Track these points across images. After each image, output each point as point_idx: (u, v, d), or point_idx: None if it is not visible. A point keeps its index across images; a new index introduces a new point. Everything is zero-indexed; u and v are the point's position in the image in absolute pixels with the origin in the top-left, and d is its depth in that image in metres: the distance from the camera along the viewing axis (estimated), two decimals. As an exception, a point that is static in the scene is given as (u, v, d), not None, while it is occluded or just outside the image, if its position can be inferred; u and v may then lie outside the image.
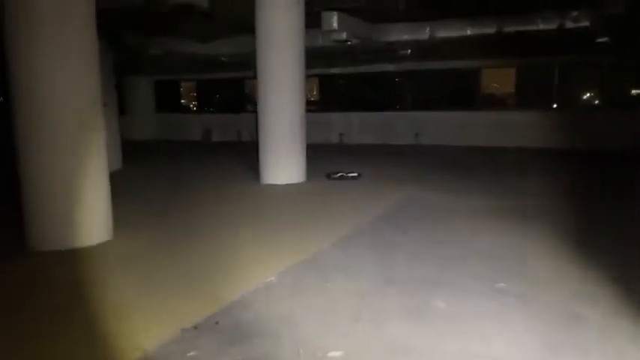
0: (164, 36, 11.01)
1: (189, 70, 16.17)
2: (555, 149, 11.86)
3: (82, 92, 4.30)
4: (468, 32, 9.68)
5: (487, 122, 13.20)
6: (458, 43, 10.23)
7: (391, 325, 2.74)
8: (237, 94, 17.48)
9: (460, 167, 9.46)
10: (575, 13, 8.43)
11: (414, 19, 9.90)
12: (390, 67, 14.48)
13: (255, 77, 7.80)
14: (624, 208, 5.72)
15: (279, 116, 7.58)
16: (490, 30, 9.44)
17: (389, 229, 4.84)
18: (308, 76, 8.48)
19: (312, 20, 8.09)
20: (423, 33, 10.02)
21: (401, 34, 10.23)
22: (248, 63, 10.04)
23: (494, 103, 14.56)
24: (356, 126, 15.06)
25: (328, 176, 8.05)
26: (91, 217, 4.40)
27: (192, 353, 2.45)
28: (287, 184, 7.56)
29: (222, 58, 12.21)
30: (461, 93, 14.16)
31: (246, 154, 11.03)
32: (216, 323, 2.75)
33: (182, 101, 19.56)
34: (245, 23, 7.98)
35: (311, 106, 13.91)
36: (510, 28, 9.18)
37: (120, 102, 12.26)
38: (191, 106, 19.44)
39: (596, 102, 13.10)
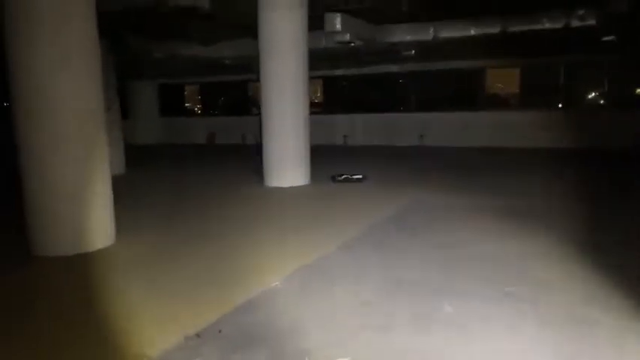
0: (167, 39, 10.99)
1: (193, 73, 16.17)
2: (561, 149, 11.75)
3: (83, 95, 4.26)
4: (472, 32, 9.62)
5: (492, 123, 13.12)
6: (462, 43, 10.16)
7: (399, 332, 2.68)
8: (241, 97, 17.46)
9: (465, 168, 9.39)
10: (581, 12, 8.35)
11: (417, 20, 9.84)
12: (394, 68, 14.42)
13: (258, 80, 7.76)
14: (630, 208, 5.64)
15: (282, 118, 7.53)
16: (494, 30, 9.36)
17: (394, 232, 4.77)
18: (311, 78, 8.44)
19: (315, 22, 8.05)
20: (427, 34, 9.96)
21: (404, 35, 10.18)
22: (251, 66, 10.00)
23: (498, 103, 14.47)
24: (360, 127, 15.00)
25: (333, 179, 7.99)
26: (93, 222, 4.36)
27: (195, 362, 2.40)
28: (291, 187, 7.51)
29: (226, 61, 12.19)
30: (465, 93, 14.08)
31: (250, 156, 10.99)
32: (220, 332, 2.70)
33: (186, 105, 19.55)
34: (248, 25, 7.95)
35: (315, 108, 13.91)
36: (515, 28, 9.11)
37: (123, 106, 12.26)
38: (196, 109, 19.43)
39: (602, 101, 12.99)
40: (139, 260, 4.16)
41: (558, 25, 8.73)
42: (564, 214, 5.36)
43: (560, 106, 13.00)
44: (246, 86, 16.99)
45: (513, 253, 4.05)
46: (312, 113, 8.09)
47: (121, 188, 6.37)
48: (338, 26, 8.68)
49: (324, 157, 10.46)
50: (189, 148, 15.93)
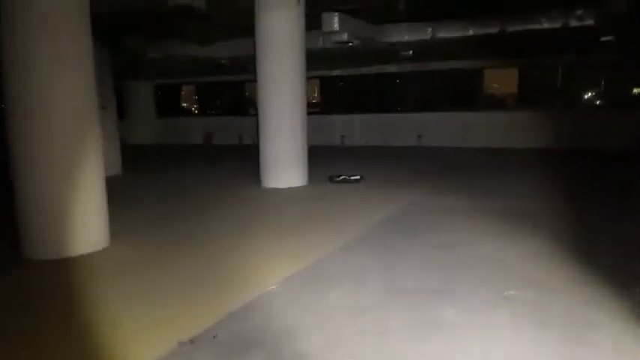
0: (164, 39, 10.93)
1: (190, 73, 16.10)
2: (559, 150, 11.72)
3: (77, 96, 4.19)
4: (470, 32, 9.58)
5: (490, 123, 13.08)
6: (460, 43, 10.12)
7: (398, 338, 2.62)
8: (238, 97, 17.40)
9: (463, 169, 9.35)
10: (579, 12, 8.31)
11: (415, 20, 9.79)
12: (392, 69, 14.38)
13: (255, 80, 7.70)
14: (627, 208, 5.60)
15: (279, 119, 7.47)
16: (492, 30, 9.33)
17: (393, 234, 4.72)
18: (309, 78, 8.40)
19: (312, 22, 7.99)
20: (425, 33, 9.91)
21: (402, 34, 10.13)
22: (248, 66, 9.95)
23: (497, 103, 14.44)
24: (358, 128, 14.95)
25: (330, 179, 7.94)
26: (87, 224, 4.29)
27: (188, 369, 2.35)
28: (289, 188, 7.45)
29: (223, 61, 12.12)
30: (463, 94, 14.04)
31: (247, 157, 10.92)
32: (214, 337, 2.64)
33: (183, 105, 19.47)
34: (245, 25, 7.89)
35: (312, 108, 13.85)
36: (513, 28, 9.07)
37: (120, 106, 12.20)
38: (193, 109, 19.35)
39: (601, 102, 12.95)
40: (133, 263, 4.10)
41: (557, 25, 8.70)
42: (562, 215, 5.32)
43: (558, 106, 12.96)
44: (244, 86, 16.93)
45: (512, 254, 4.00)
46: (309, 113, 8.04)
47: (116, 189, 6.31)
48: (336, 26, 8.62)
49: (322, 158, 10.40)
50: (186, 148, 15.86)
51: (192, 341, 2.58)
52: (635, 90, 12.53)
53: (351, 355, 2.46)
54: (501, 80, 14.42)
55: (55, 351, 2.60)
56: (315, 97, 16.62)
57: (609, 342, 2.51)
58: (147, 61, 12.11)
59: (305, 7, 7.40)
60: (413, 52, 11.52)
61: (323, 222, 5.39)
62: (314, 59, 9.45)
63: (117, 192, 6.40)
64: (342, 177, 7.93)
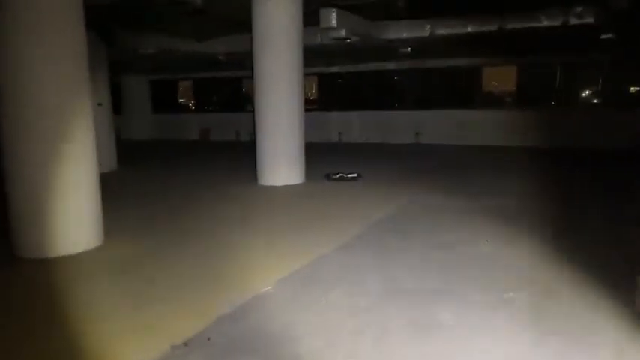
0: (159, 33, 10.81)
1: (187, 68, 15.98)
2: (558, 149, 11.68)
3: (68, 95, 4.12)
4: (469, 30, 9.49)
5: (488, 121, 13.02)
6: (458, 40, 10.05)
7: (396, 341, 2.56)
8: (235, 93, 17.29)
9: (460, 167, 9.30)
10: (579, 9, 8.24)
11: (414, 17, 9.71)
12: (390, 66, 14.29)
13: (252, 76, 7.61)
14: (625, 209, 5.56)
15: (276, 115, 7.39)
16: (492, 27, 9.24)
17: (390, 233, 4.66)
18: (307, 75, 8.31)
19: (310, 18, 7.90)
20: (424, 30, 9.82)
21: (401, 31, 10.03)
22: (245, 62, 9.86)
23: (495, 102, 14.39)
24: (355, 125, 14.87)
25: (327, 177, 7.87)
26: (79, 223, 4.22)
27: (181, 373, 2.28)
28: (285, 186, 7.38)
29: (219, 57, 12.01)
30: (462, 91, 13.97)
31: (244, 154, 10.84)
32: (209, 339, 2.57)
33: (180, 100, 19.35)
34: (241, 20, 7.80)
35: (310, 105, 13.77)
36: (513, 26, 8.99)
37: (117, 102, 12.09)
38: (190, 105, 19.23)
39: (599, 100, 12.91)
40: (126, 262, 4.03)
41: (556, 23, 8.62)
42: (560, 215, 5.28)
43: (556, 105, 12.92)
44: (241, 82, 16.83)
45: (511, 254, 3.96)
46: (307, 110, 7.95)
47: (111, 186, 6.24)
48: (333, 22, 8.51)
49: (319, 155, 10.33)
50: (182, 144, 15.76)
51: (186, 344, 2.52)
52: (632, 89, 12.48)
53: (349, 356, 2.40)
54: (500, 78, 14.36)
55: (42, 353, 2.53)
56: (313, 93, 16.54)
57: (609, 347, 2.46)
58: (143, 56, 11.97)
59: (303, 4, 7.31)
60: (411, 50, 11.44)
61: (320, 221, 5.32)
62: (312, 56, 9.36)
63: (112, 189, 6.33)
64: (339, 175, 7.86)
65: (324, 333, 2.66)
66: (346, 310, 2.95)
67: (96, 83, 6.91)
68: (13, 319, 3.00)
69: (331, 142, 14.73)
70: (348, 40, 9.39)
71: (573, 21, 8.43)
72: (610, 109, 12.05)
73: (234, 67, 13.84)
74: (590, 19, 8.35)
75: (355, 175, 7.83)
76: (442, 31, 9.72)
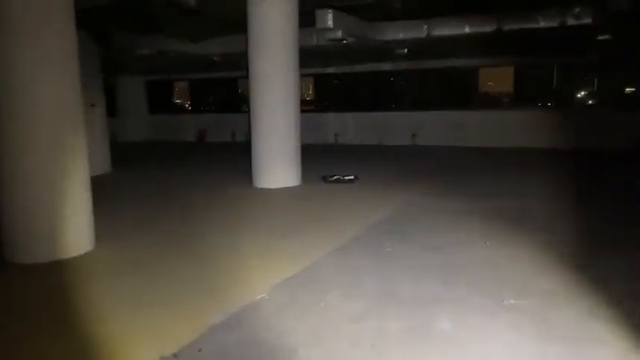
0: (154, 34, 10.71)
1: (182, 69, 15.88)
2: (555, 149, 11.63)
3: (61, 98, 4.04)
4: (467, 30, 9.42)
5: (485, 122, 12.97)
6: (456, 41, 9.98)
7: (393, 351, 2.48)
8: (231, 94, 17.20)
9: (458, 169, 9.24)
10: (577, 10, 8.18)
11: (411, 17, 9.64)
12: (387, 67, 14.22)
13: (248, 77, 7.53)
14: (623, 209, 5.51)
15: (272, 117, 7.31)
16: (489, 28, 9.18)
17: (387, 237, 4.58)
18: (303, 76, 8.23)
19: (306, 19, 7.82)
20: (421, 31, 9.75)
21: (397, 32, 9.96)
22: (240, 62, 9.77)
23: (492, 102, 14.34)
24: (352, 126, 14.80)
25: (324, 179, 7.79)
26: (70, 227, 4.13)
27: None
28: (281, 188, 7.29)
29: (215, 58, 11.92)
30: (459, 92, 13.92)
31: (240, 155, 10.76)
32: (200, 350, 2.49)
33: (176, 101, 19.23)
34: (237, 21, 7.71)
35: (306, 106, 13.68)
36: (510, 26, 8.93)
37: (112, 103, 11.99)
38: (186, 105, 19.12)
39: (597, 101, 12.87)
40: (117, 268, 3.94)
41: (554, 24, 8.56)
42: (559, 216, 5.21)
43: (554, 105, 12.88)
44: (237, 83, 16.73)
45: (511, 257, 3.89)
46: (303, 111, 7.88)
47: (104, 189, 6.15)
48: (330, 23, 8.43)
49: (315, 157, 10.26)
50: (178, 145, 15.65)
51: (175, 355, 2.43)
52: (628, 90, 12.44)
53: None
54: (497, 79, 14.31)
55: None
56: (309, 94, 16.46)
57: (611, 357, 2.39)
58: (138, 57, 11.87)
59: (299, 4, 7.23)
60: (408, 50, 11.37)
61: (316, 224, 5.24)
62: (308, 57, 9.28)
63: (105, 191, 6.24)
64: (335, 177, 7.78)
65: (319, 343, 2.57)
66: (341, 319, 2.87)
67: (88, 84, 6.80)
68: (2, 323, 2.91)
69: (327, 143, 14.65)
70: (345, 41, 9.31)
71: (571, 22, 8.37)
72: (607, 109, 12.01)
73: (230, 67, 13.75)
74: (587, 20, 8.30)
75: (352, 177, 7.76)
76: (439, 32, 9.65)
